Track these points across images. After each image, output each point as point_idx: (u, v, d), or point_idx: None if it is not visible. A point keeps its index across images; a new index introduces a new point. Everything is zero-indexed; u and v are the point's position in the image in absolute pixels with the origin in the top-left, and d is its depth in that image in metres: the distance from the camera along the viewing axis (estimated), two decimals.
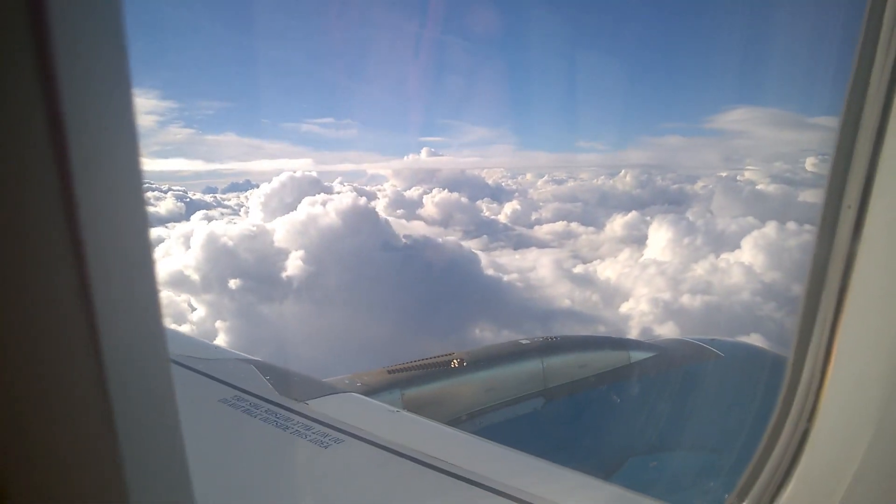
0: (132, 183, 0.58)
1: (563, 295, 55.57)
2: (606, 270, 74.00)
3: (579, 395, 4.52)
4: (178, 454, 0.69)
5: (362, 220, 52.68)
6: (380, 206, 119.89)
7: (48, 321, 0.52)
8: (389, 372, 3.99)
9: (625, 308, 57.74)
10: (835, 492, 1.01)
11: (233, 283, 44.34)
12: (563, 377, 4.51)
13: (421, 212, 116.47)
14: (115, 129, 0.56)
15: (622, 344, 5.07)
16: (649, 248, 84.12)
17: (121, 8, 0.55)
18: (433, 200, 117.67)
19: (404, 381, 3.93)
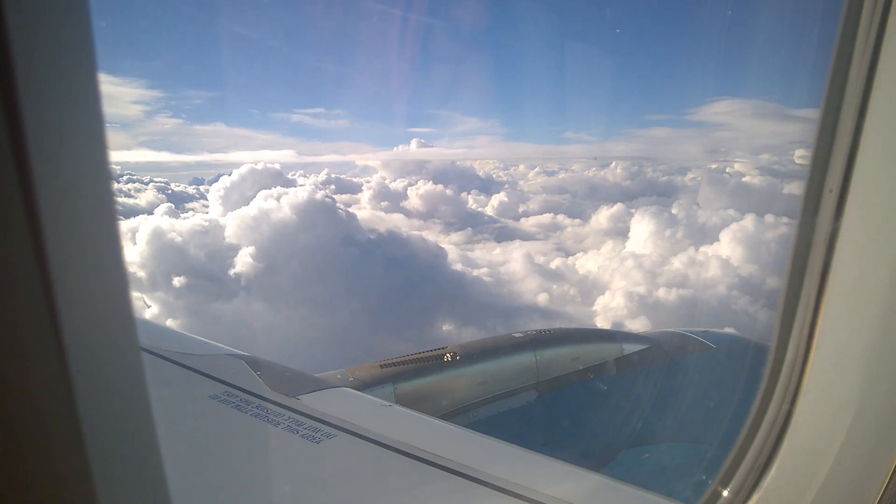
0: (98, 171, 0.57)
1: (532, 290, 54.59)
2: (588, 263, 72.97)
3: (572, 387, 4.49)
4: (151, 453, 0.66)
5: (319, 215, 51.19)
6: (364, 198, 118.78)
7: (8, 315, 0.50)
8: (382, 366, 3.95)
9: (600, 302, 56.74)
10: (817, 473, 1.03)
11: (177, 281, 43.13)
12: (557, 370, 4.47)
13: (405, 204, 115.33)
14: (79, 116, 0.54)
15: (615, 336, 5.02)
16: (631, 240, 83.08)
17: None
18: (418, 192, 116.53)
19: (397, 376, 3.89)
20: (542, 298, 54.88)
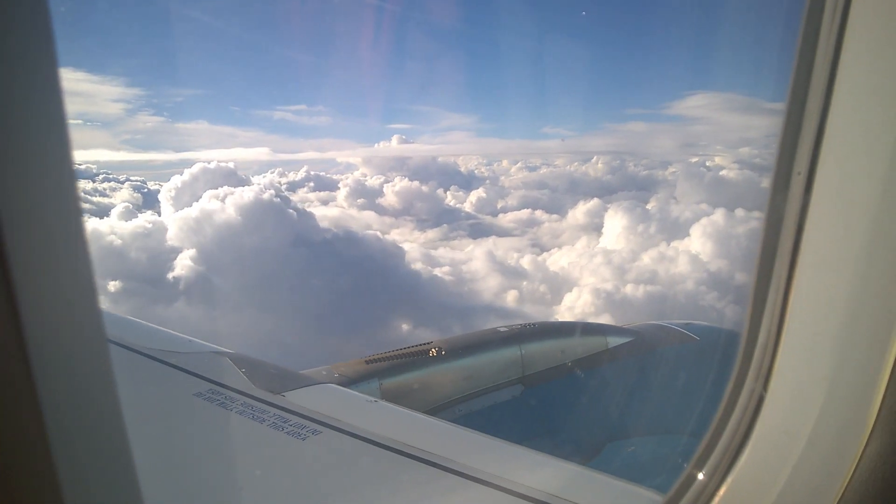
0: (60, 166, 0.56)
1: (492, 288, 53.60)
2: (561, 259, 72.27)
3: (558, 381, 4.46)
4: (120, 451, 0.65)
5: (266, 215, 49.50)
6: (341, 195, 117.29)
7: None
8: (367, 362, 3.92)
9: (568, 299, 55.94)
10: (790, 454, 1.05)
11: (112, 286, 41.46)
12: (542, 363, 4.45)
13: (381, 201, 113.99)
14: (40, 112, 0.54)
15: (599, 329, 4.97)
16: (605, 236, 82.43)
17: None
18: (394, 190, 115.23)
19: (382, 371, 3.86)
20: (508, 296, 53.98)
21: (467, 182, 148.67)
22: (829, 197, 0.97)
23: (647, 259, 64.72)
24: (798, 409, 1.05)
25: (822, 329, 1.00)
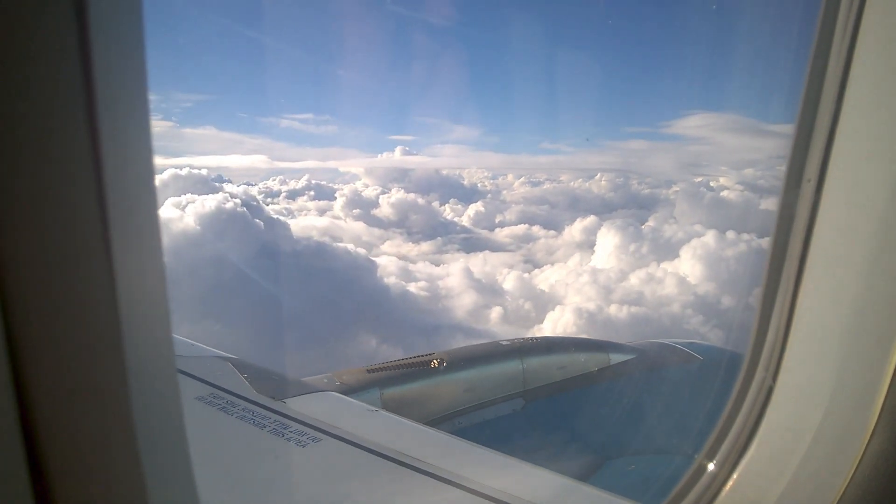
0: (149, 183, 0.60)
1: (468, 305, 52.17)
2: (552, 277, 70.82)
3: (559, 396, 4.48)
4: (185, 456, 0.70)
5: (229, 225, 48.22)
6: (337, 205, 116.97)
7: (78, 321, 0.53)
8: (369, 371, 3.95)
9: (550, 318, 54.46)
10: (798, 446, 1.08)
11: None
12: (543, 378, 4.46)
13: (376, 212, 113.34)
14: (136, 129, 0.57)
15: (602, 346, 4.96)
16: (596, 254, 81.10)
17: (141, 11, 0.56)
18: (389, 201, 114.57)
19: (384, 381, 3.88)
20: (483, 314, 52.52)
21: (469, 195, 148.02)
22: (838, 202, 1.01)
23: (634, 279, 62.94)
24: (805, 404, 1.08)
25: (829, 328, 1.03)
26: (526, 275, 73.11)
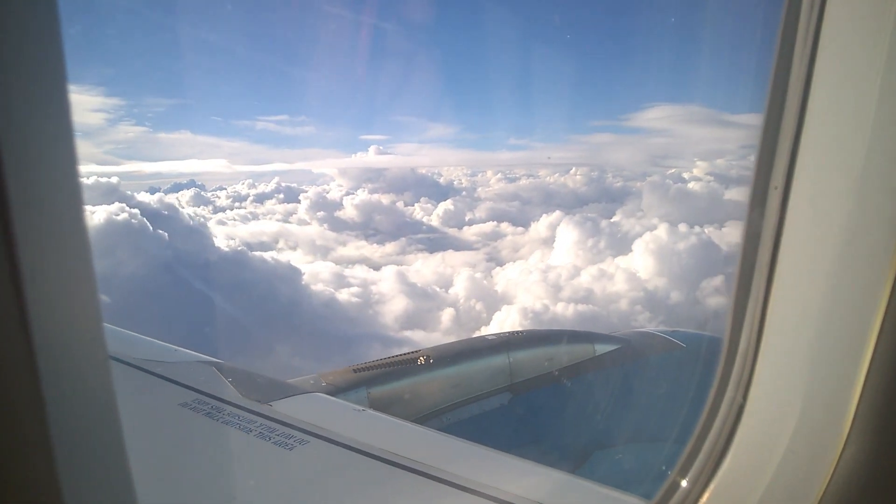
0: (67, 181, 0.57)
1: (397, 311, 50.37)
2: (510, 275, 69.21)
3: (545, 389, 4.43)
4: (118, 458, 0.67)
5: (122, 239, 45.36)
6: (301, 208, 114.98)
7: None
8: (355, 371, 3.88)
9: (496, 318, 52.85)
10: (771, 460, 1.08)
11: None
12: (530, 371, 4.42)
13: (339, 214, 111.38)
14: (50, 128, 0.55)
15: (587, 337, 4.91)
16: (556, 250, 79.48)
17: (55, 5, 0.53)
18: (353, 202, 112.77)
19: (370, 380, 3.83)
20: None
21: (444, 193, 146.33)
22: (805, 210, 1.00)
23: (586, 276, 61.42)
24: (777, 417, 1.06)
25: (800, 339, 1.03)
26: (479, 275, 71.21)
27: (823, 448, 1.02)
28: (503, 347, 4.39)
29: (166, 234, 49.28)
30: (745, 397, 1.10)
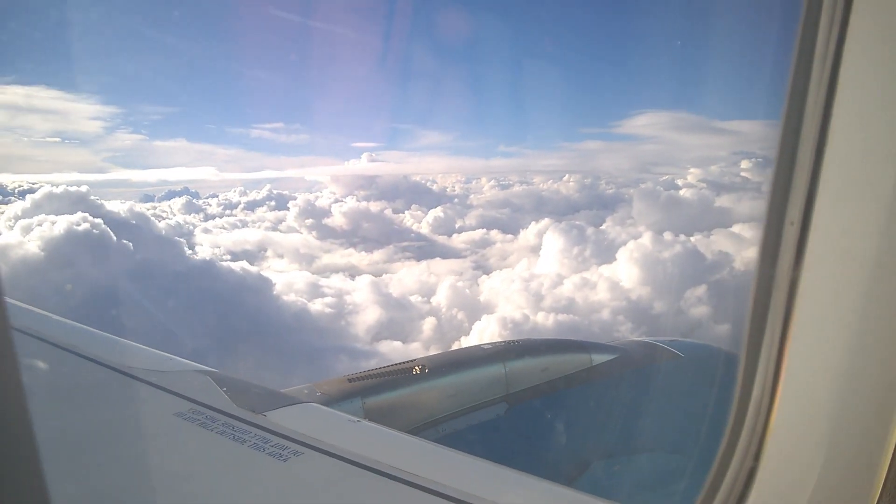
0: None
1: (369, 322, 48.94)
2: (495, 283, 67.91)
3: (542, 399, 4.40)
4: (27, 453, 0.64)
5: (83, 249, 43.96)
6: (290, 215, 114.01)
7: None
8: (350, 380, 3.86)
9: (476, 328, 51.53)
10: (804, 486, 1.01)
11: None
12: (526, 381, 4.38)
13: (327, 221, 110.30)
14: None
15: (583, 347, 4.88)
16: (542, 258, 78.21)
17: None
18: (341, 210, 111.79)
19: (365, 390, 3.78)
20: (384, 331, 49.42)
21: (436, 201, 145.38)
22: (826, 249, 0.93)
23: (569, 285, 60.08)
24: (805, 443, 0.99)
25: (819, 392, 0.95)
26: (463, 283, 69.99)
27: (863, 468, 0.92)
28: (499, 357, 4.35)
29: (131, 244, 48.09)
30: (756, 461, 1.04)
